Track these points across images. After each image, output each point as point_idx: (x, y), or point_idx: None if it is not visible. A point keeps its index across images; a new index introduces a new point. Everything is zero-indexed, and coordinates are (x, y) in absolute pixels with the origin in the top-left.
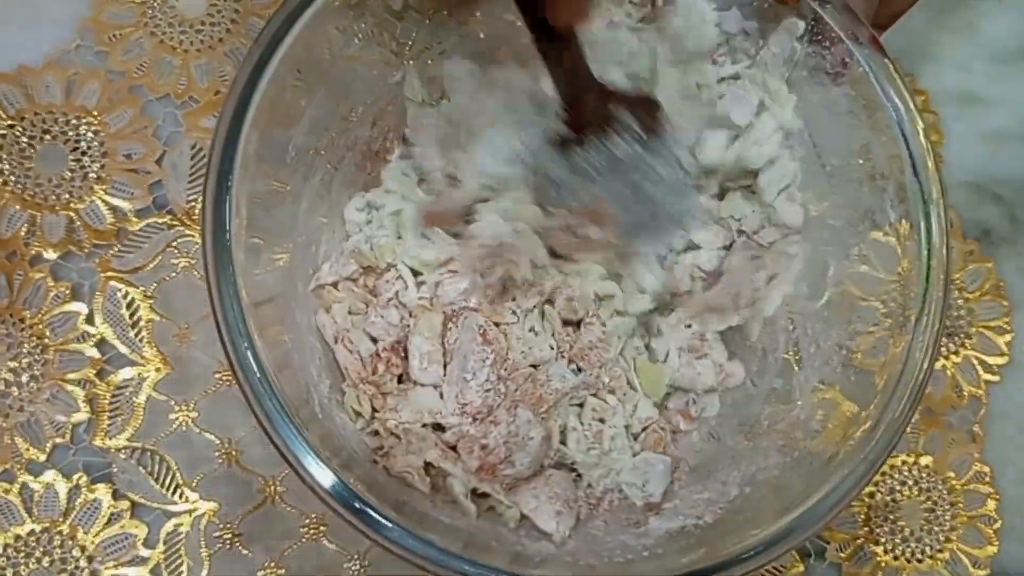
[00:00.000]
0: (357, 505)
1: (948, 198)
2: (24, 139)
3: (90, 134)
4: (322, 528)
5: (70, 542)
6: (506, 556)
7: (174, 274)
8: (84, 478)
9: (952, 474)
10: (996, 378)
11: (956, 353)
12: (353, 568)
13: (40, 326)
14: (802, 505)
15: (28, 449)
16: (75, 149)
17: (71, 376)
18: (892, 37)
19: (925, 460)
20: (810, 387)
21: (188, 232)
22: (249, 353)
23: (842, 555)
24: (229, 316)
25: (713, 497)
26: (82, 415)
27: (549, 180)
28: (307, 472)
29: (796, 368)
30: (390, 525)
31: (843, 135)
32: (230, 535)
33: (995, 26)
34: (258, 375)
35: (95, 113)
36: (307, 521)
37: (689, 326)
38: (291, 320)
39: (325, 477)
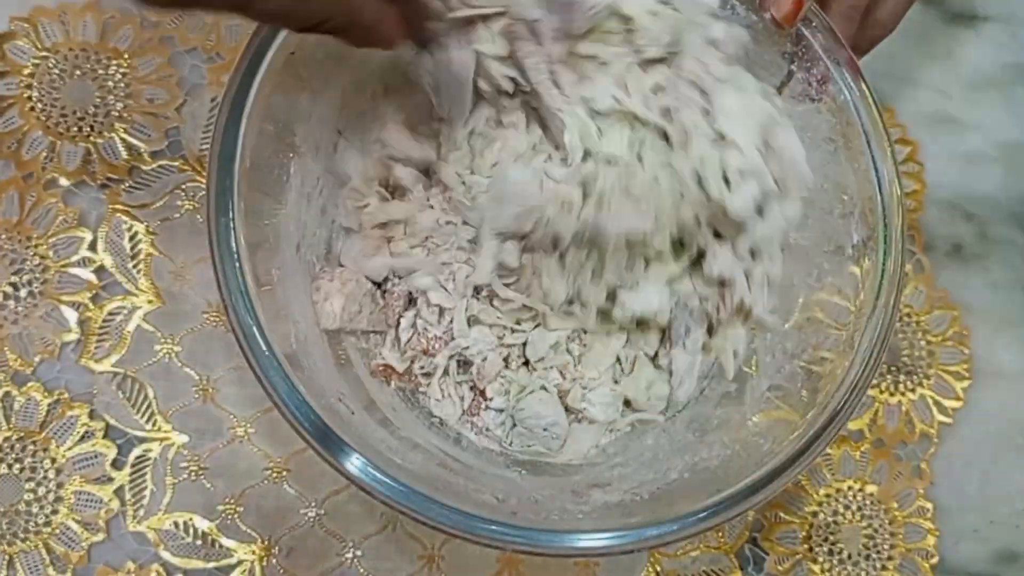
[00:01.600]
0: (331, 440)
1: (923, 215)
2: (56, 71)
3: (118, 75)
4: (285, 472)
5: (42, 453)
6: (456, 500)
7: (178, 215)
8: (65, 395)
9: (896, 505)
10: (949, 420)
11: (913, 391)
12: (309, 514)
13: (44, 247)
14: (728, 489)
15: (16, 359)
16: (102, 87)
17: (67, 298)
18: (874, 61)
19: (871, 488)
20: (760, 394)
21: (197, 178)
22: (242, 301)
23: (780, 568)
24: (226, 263)
25: (654, 477)
26: (72, 335)
27: None
28: (284, 404)
29: (752, 377)
30: (359, 461)
31: (821, 162)
32: (196, 467)
33: (972, 53)
34: (244, 295)
35: (126, 56)
36: (271, 464)
37: None
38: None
39: (302, 410)
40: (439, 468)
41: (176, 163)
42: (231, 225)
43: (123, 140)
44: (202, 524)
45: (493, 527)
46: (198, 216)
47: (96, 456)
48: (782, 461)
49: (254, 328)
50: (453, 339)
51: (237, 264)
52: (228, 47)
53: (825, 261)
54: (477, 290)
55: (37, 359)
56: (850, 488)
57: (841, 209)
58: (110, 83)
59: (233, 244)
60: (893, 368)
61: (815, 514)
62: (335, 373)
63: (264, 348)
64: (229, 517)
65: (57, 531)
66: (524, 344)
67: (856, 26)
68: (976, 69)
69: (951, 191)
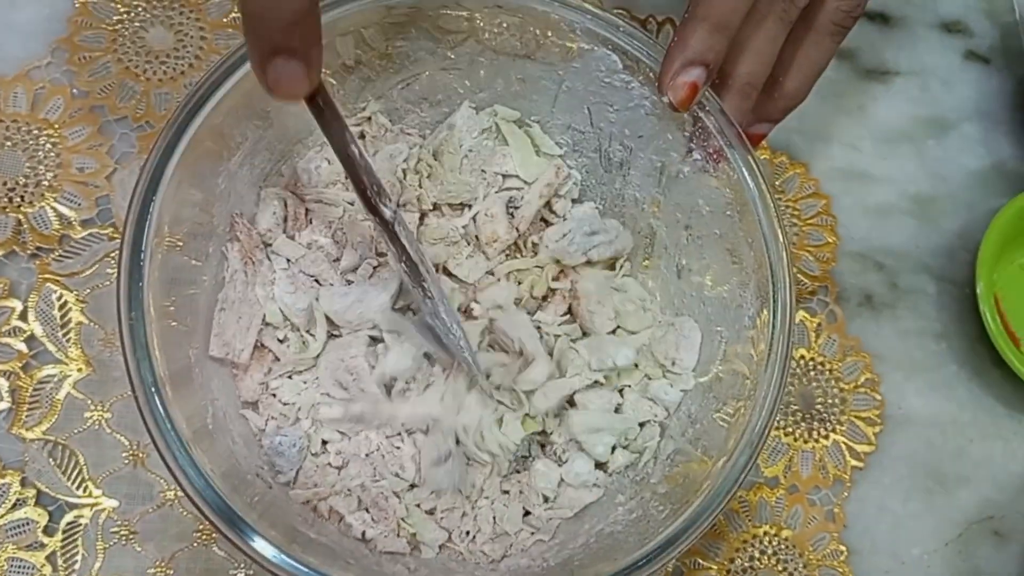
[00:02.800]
0: (235, 523)
1: (836, 266)
2: None
3: (48, 145)
4: (214, 536)
5: None
6: (363, 573)
7: (108, 283)
8: None
9: (811, 549)
10: (861, 465)
11: (826, 437)
12: None
13: None
14: (634, 554)
15: None
16: (32, 158)
17: None
18: (786, 117)
19: (786, 533)
20: (667, 454)
21: None
22: (145, 365)
23: None
24: (135, 325)
25: (560, 544)
26: (3, 404)
27: None
28: (190, 484)
29: (659, 435)
30: (268, 547)
31: (721, 231)
32: (127, 532)
33: (882, 109)
34: (153, 388)
35: (56, 126)
36: (200, 527)
37: None
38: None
39: (208, 492)
40: (354, 541)
41: (106, 231)
42: (141, 320)
43: (53, 209)
44: None
45: None
46: None
47: (28, 523)
48: (683, 522)
49: (160, 418)
50: None
51: (147, 360)
52: (158, 115)
53: (736, 318)
54: None
55: None
56: (766, 533)
57: (740, 274)
58: (40, 153)
59: (143, 338)
60: (807, 416)
61: (732, 560)
62: (255, 446)
63: (172, 435)
64: None
65: None
66: None
67: (752, 102)
68: (887, 123)
69: (863, 243)
